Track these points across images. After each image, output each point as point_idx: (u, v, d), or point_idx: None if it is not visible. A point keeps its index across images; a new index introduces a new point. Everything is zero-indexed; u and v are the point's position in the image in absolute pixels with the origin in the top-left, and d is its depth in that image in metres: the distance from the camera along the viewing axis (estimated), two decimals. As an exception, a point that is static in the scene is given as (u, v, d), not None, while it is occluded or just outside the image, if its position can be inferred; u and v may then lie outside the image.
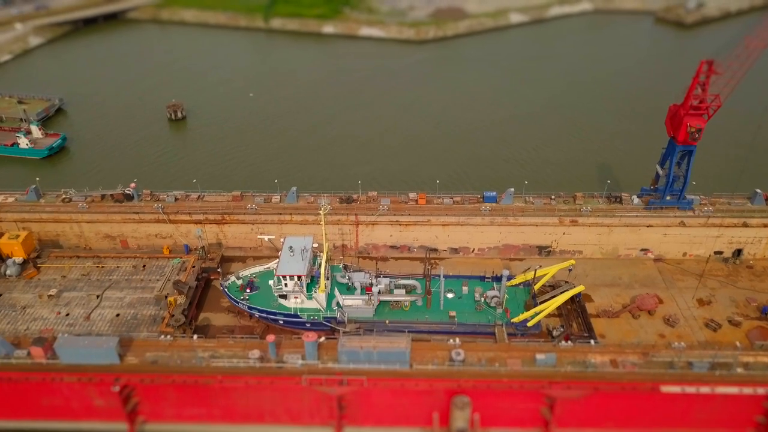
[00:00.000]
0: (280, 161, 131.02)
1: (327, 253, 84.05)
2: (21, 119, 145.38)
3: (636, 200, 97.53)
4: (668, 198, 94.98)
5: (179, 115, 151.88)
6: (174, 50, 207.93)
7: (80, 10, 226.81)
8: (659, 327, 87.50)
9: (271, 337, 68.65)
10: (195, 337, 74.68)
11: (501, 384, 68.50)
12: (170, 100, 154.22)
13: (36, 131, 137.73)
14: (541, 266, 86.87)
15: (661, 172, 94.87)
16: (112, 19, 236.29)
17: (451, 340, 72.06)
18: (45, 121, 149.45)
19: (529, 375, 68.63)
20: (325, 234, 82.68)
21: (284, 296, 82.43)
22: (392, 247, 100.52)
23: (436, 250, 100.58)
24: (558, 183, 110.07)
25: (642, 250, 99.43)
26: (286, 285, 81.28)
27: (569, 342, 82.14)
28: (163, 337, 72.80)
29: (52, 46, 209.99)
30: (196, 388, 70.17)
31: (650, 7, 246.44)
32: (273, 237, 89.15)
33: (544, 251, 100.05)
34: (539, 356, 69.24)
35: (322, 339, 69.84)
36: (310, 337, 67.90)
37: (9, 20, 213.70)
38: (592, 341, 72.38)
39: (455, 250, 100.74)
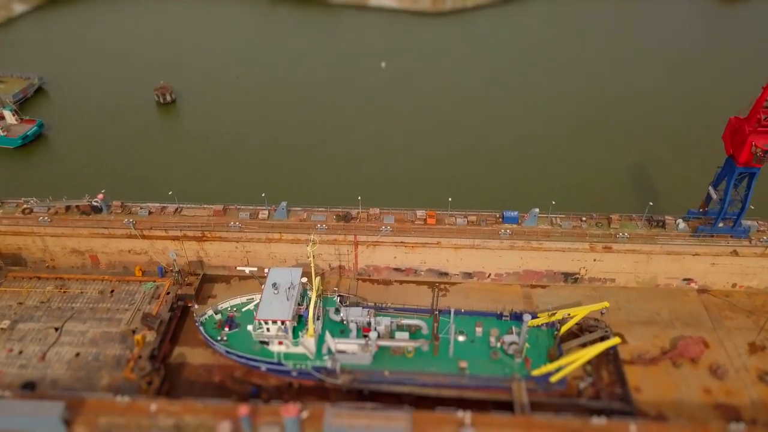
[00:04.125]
0: (269, 167, 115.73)
1: (317, 290, 71.83)
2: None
3: (681, 225, 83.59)
4: (721, 225, 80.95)
5: (168, 98, 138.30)
6: (170, 22, 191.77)
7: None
8: (704, 379, 74.90)
9: (243, 410, 57.07)
10: (161, 376, 63.69)
11: (520, 474, 56.89)
12: (159, 81, 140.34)
13: (9, 117, 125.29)
14: (566, 307, 74.24)
15: (714, 194, 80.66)
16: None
17: (461, 412, 60.02)
18: (22, 104, 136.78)
19: (553, 464, 56.82)
20: (315, 271, 70.35)
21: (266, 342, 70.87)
22: (396, 269, 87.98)
23: (446, 274, 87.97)
24: (591, 202, 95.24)
25: (684, 279, 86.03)
26: (268, 330, 69.47)
27: (599, 398, 70.67)
28: (119, 397, 61.57)
29: (38, 13, 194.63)
30: (157, 463, 59.31)
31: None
32: (255, 269, 76.95)
33: (571, 278, 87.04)
34: (567, 439, 57.23)
35: (305, 414, 58.15)
36: (290, 412, 56.24)
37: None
38: (632, 425, 59.50)
39: (468, 275, 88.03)
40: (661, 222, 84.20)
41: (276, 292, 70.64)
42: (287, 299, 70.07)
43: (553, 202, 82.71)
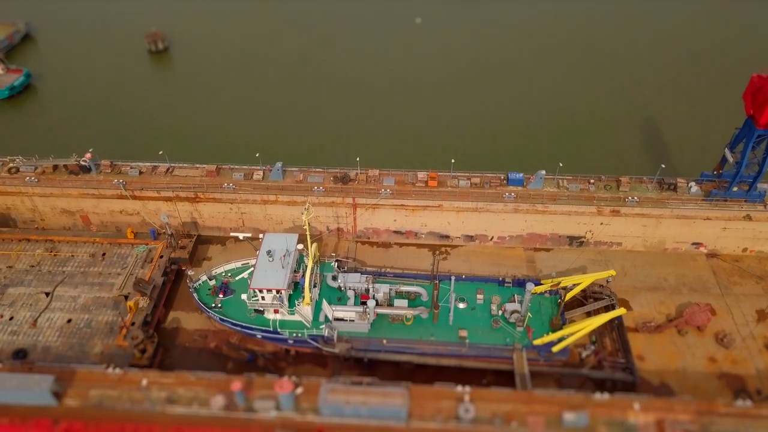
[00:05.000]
0: (264, 125, 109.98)
1: (313, 257, 69.33)
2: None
3: (694, 188, 79.97)
4: (735, 189, 77.37)
5: (160, 46, 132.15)
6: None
7: None
8: (710, 348, 73.24)
9: (237, 385, 55.55)
10: (155, 343, 62.65)
11: (519, 450, 55.71)
12: (150, 27, 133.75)
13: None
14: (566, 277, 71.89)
15: (730, 157, 76.70)
16: None
17: (460, 387, 58.46)
18: (8, 52, 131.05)
19: (554, 440, 55.54)
20: (310, 240, 67.54)
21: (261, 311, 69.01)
22: (396, 232, 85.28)
23: (447, 237, 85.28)
24: (600, 163, 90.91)
25: (694, 244, 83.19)
26: (263, 298, 67.42)
27: (601, 368, 69.19)
28: (110, 369, 60.12)
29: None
30: (150, 436, 58.41)
31: None
32: (249, 235, 74.24)
33: (576, 242, 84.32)
34: (568, 416, 55.69)
35: (299, 390, 56.64)
36: (284, 388, 54.71)
37: None
38: (637, 402, 57.66)
39: (470, 238, 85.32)
40: (672, 185, 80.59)
41: (271, 259, 68.18)
42: (282, 267, 67.68)
43: (561, 164, 78.92)
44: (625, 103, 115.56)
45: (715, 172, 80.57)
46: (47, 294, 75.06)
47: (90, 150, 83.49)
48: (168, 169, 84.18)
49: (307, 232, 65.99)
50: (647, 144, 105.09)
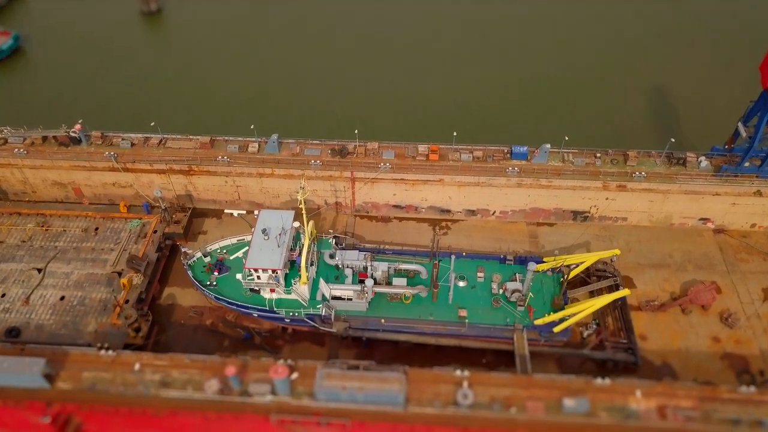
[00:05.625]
0: (258, 95, 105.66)
1: (310, 235, 67.52)
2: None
3: (704, 163, 77.32)
4: (747, 164, 74.75)
5: (153, 7, 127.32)
6: None
7: None
8: (714, 327, 72.01)
9: (231, 370, 54.49)
10: (149, 321, 62.24)
11: (517, 435, 55.02)
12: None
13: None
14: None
15: (743, 131, 73.76)
16: None
17: (459, 371, 57.40)
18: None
19: (553, 427, 54.66)
20: (307, 218, 65.56)
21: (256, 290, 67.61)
22: (396, 206, 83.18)
23: (448, 211, 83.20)
24: (607, 137, 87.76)
25: (701, 219, 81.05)
26: (258, 278, 65.89)
27: (603, 348, 68.11)
28: (103, 352, 59.07)
29: None
30: (145, 418, 57.72)
31: None
32: (244, 212, 72.22)
33: (580, 217, 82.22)
34: (568, 402, 54.71)
35: (295, 375, 55.58)
36: (279, 373, 53.65)
37: None
38: (638, 388, 56.46)
39: (472, 212, 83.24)
40: (681, 159, 77.88)
41: (266, 237, 66.35)
42: (278, 246, 65.91)
43: (566, 138, 76.08)
44: (634, 73, 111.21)
45: (726, 147, 77.75)
46: (39, 270, 73.68)
47: (79, 121, 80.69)
48: (161, 141, 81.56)
49: (303, 212, 63.96)
50: (657, 116, 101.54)
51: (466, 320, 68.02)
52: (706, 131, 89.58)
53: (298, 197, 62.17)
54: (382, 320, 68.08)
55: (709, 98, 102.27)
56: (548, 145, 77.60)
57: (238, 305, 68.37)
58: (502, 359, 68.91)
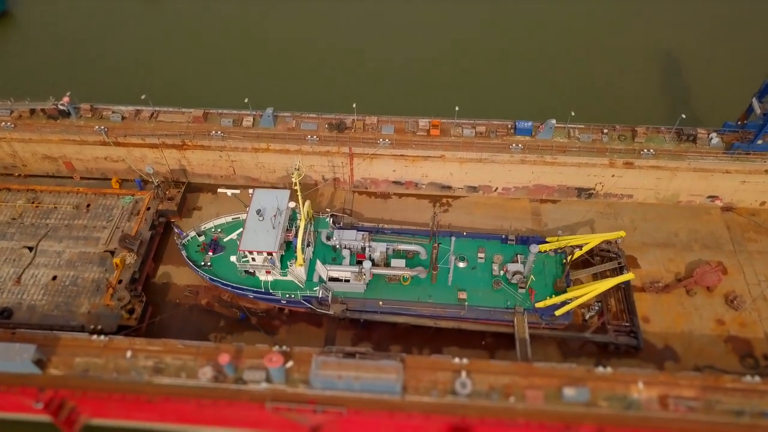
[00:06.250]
0: (252, 66, 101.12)
1: (306, 216, 65.60)
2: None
3: (714, 140, 74.55)
4: (760, 142, 71.99)
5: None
6: None
7: None
8: (719, 309, 70.63)
9: (225, 358, 53.40)
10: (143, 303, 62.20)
11: (516, 425, 54.21)
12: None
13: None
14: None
15: (758, 108, 70.70)
16: None
17: (457, 359, 56.29)
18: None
19: (553, 416, 53.83)
20: (302, 199, 63.46)
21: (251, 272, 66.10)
22: (395, 182, 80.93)
23: (449, 187, 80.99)
24: (615, 111, 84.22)
25: (709, 197, 78.77)
26: (253, 260, 64.29)
27: (605, 331, 66.87)
28: (95, 337, 57.98)
29: None
30: (138, 403, 57.04)
31: None
32: (238, 192, 70.02)
33: (585, 194, 80.00)
34: (568, 391, 53.74)
35: (290, 364, 54.51)
36: (274, 362, 52.52)
37: None
38: (641, 377, 55.32)
39: (473, 189, 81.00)
40: (692, 136, 75.09)
41: (261, 218, 64.41)
42: (273, 227, 64.01)
43: (573, 113, 73.14)
44: (645, 45, 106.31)
45: (739, 123, 74.80)
46: (30, 249, 72.16)
47: (68, 93, 77.84)
48: (152, 114, 78.84)
49: (299, 193, 61.81)
50: (668, 90, 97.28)
51: (466, 303, 66.60)
52: (718, 106, 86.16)
53: (293, 179, 59.89)
54: (380, 302, 66.73)
55: (724, 71, 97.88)
56: (554, 121, 74.77)
57: (233, 287, 67.00)
58: (501, 341, 67.91)
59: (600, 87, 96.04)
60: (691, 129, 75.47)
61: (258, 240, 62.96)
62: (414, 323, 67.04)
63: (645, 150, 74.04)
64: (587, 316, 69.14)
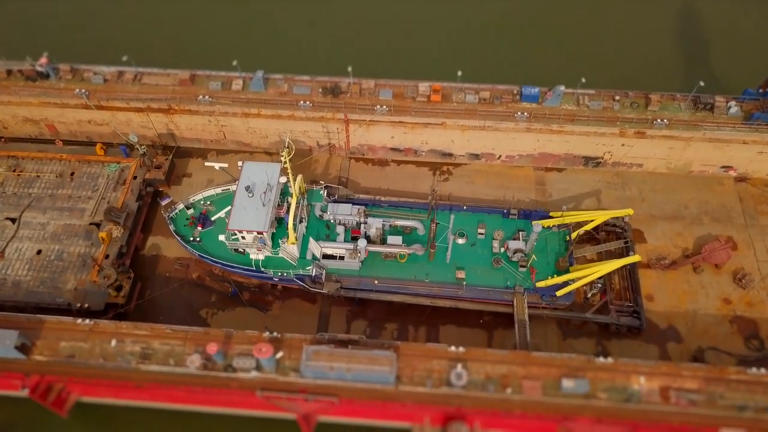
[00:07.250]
0: (239, 23, 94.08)
1: (298, 192, 62.45)
2: None
3: (733, 109, 70.01)
4: (781, 112, 67.65)
5: None
6: None
7: None
8: (726, 288, 68.33)
9: (213, 347, 51.65)
10: (131, 279, 60.62)
11: (512, 416, 53.04)
12: None
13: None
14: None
15: (782, 76, 65.95)
16: None
17: (453, 347, 54.48)
18: None
19: (550, 408, 52.51)
20: (293, 176, 60.05)
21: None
22: (394, 149, 77.15)
23: (450, 155, 77.24)
24: (628, 76, 78.55)
25: (723, 167, 74.99)
26: (243, 238, 61.64)
27: (607, 311, 64.88)
28: (80, 320, 56.17)
29: None
30: (127, 388, 56.00)
31: None
32: (226, 165, 66.45)
33: (592, 162, 76.26)
34: (566, 382, 52.19)
35: (280, 354, 52.76)
36: (263, 352, 50.81)
37: None
38: (642, 368, 53.43)
39: (475, 156, 77.25)
40: (709, 104, 70.53)
41: (250, 195, 61.24)
42: (263, 204, 60.94)
43: (583, 80, 68.36)
44: (662, 3, 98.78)
45: (761, 90, 70.05)
46: (13, 221, 69.47)
47: (45, 54, 73.08)
48: (135, 76, 74.32)
49: (290, 172, 58.40)
50: (685, 54, 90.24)
51: (464, 282, 64.33)
52: (739, 71, 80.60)
53: (283, 158, 56.32)
54: (376, 281, 64.53)
55: (747, 33, 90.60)
56: (562, 88, 70.09)
57: (223, 264, 64.69)
58: (500, 319, 66.27)
59: (613, 49, 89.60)
60: (709, 96, 70.77)
61: (247, 219, 60.06)
62: (410, 302, 65.06)
63: (658, 120, 69.74)
64: (589, 294, 67.00)
